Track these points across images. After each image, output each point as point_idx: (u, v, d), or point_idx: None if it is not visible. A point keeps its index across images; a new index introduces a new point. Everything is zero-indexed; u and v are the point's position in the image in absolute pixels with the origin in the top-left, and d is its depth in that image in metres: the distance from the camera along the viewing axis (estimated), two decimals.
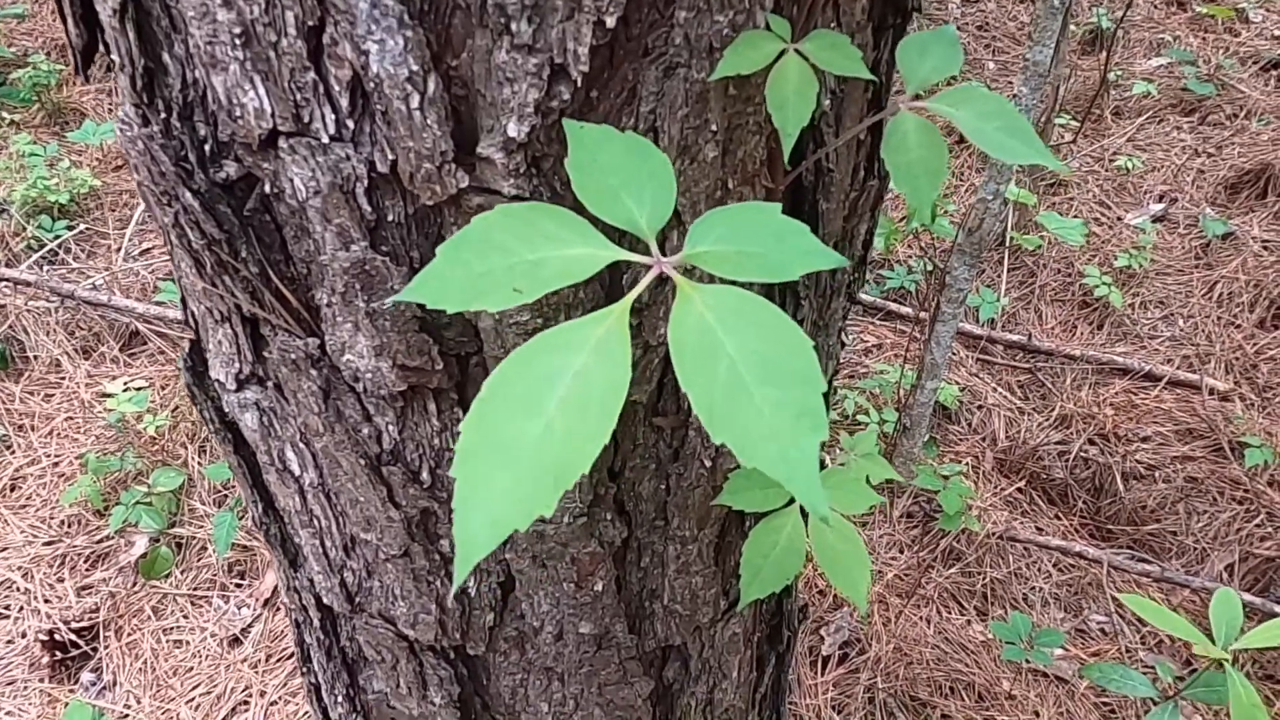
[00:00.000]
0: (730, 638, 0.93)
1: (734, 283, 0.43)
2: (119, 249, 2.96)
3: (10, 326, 2.64)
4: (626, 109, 0.52)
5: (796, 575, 1.01)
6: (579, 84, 0.49)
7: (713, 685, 0.97)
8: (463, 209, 0.54)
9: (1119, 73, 3.90)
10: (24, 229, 2.92)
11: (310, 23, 0.48)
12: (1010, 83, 3.85)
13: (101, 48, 0.63)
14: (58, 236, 2.93)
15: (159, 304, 2.72)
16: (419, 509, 0.71)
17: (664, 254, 0.45)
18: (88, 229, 3.03)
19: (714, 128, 0.53)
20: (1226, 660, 1.19)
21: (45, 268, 2.86)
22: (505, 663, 0.84)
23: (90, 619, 2.06)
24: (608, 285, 0.60)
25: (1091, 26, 4.06)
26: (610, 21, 0.47)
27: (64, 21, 0.63)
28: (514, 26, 0.47)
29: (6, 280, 2.71)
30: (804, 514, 0.69)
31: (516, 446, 0.39)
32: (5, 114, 3.35)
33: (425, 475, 0.69)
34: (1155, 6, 4.43)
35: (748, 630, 0.96)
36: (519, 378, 0.40)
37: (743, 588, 0.68)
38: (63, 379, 2.59)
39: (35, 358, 2.63)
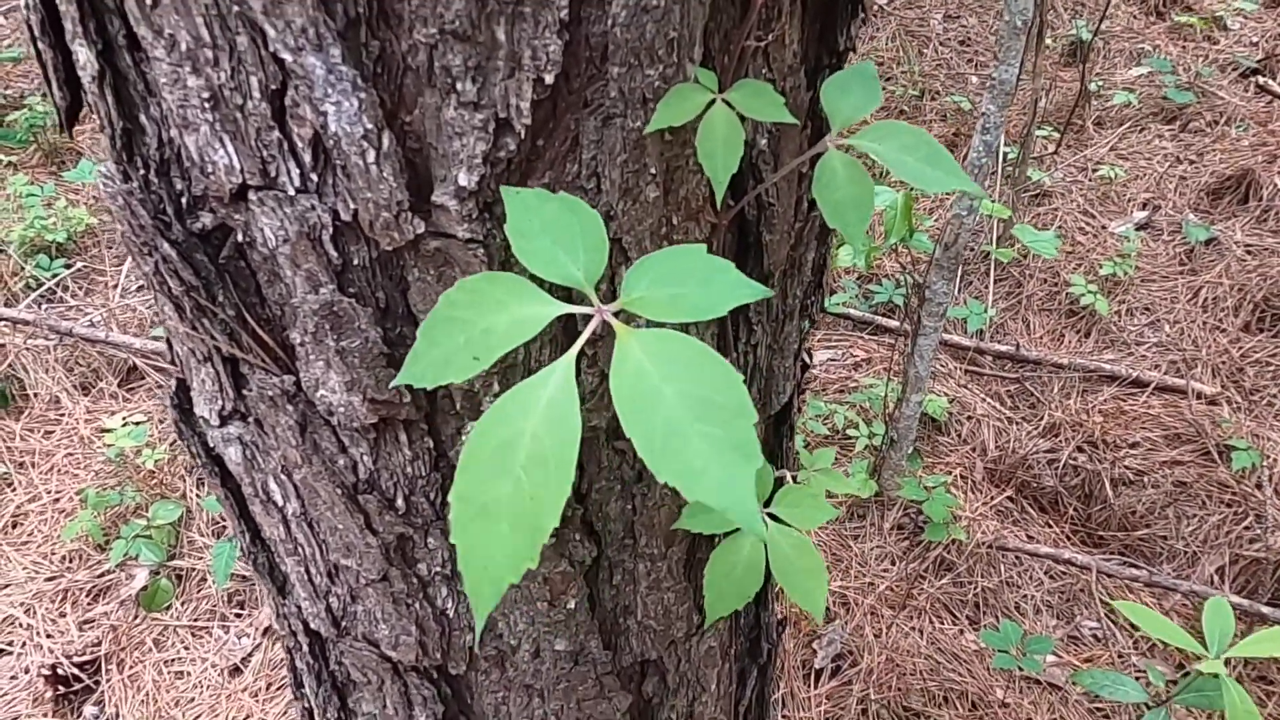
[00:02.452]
0: (707, 651, 0.96)
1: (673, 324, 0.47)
2: (116, 285, 3.00)
3: (10, 365, 2.67)
4: (570, 156, 0.56)
5: (769, 588, 1.04)
6: (523, 135, 0.53)
7: (692, 699, 0.99)
8: (421, 252, 0.58)
9: (1100, 83, 3.95)
10: (22, 268, 2.97)
11: (273, 86, 0.52)
12: None
13: (85, 107, 0.67)
14: (56, 275, 2.97)
15: (156, 339, 2.76)
16: (395, 535, 0.74)
17: (611, 296, 0.49)
18: (85, 266, 3.07)
19: (653, 170, 0.57)
20: (1222, 671, 1.20)
21: (43, 306, 2.91)
22: (486, 681, 0.87)
23: (92, 653, 2.09)
24: (566, 323, 0.63)
25: (1071, 38, 4.12)
26: (549, 78, 0.51)
27: (48, 85, 0.67)
28: (459, 86, 0.51)
29: (5, 319, 2.75)
30: None
31: (495, 509, 0.44)
32: (2, 155, 3.40)
33: (400, 502, 0.73)
34: (1135, 17, 4.49)
35: (724, 644, 0.99)
36: (487, 444, 0.45)
37: (706, 607, 0.72)
38: (62, 415, 2.62)
39: (35, 395, 2.66)
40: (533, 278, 0.50)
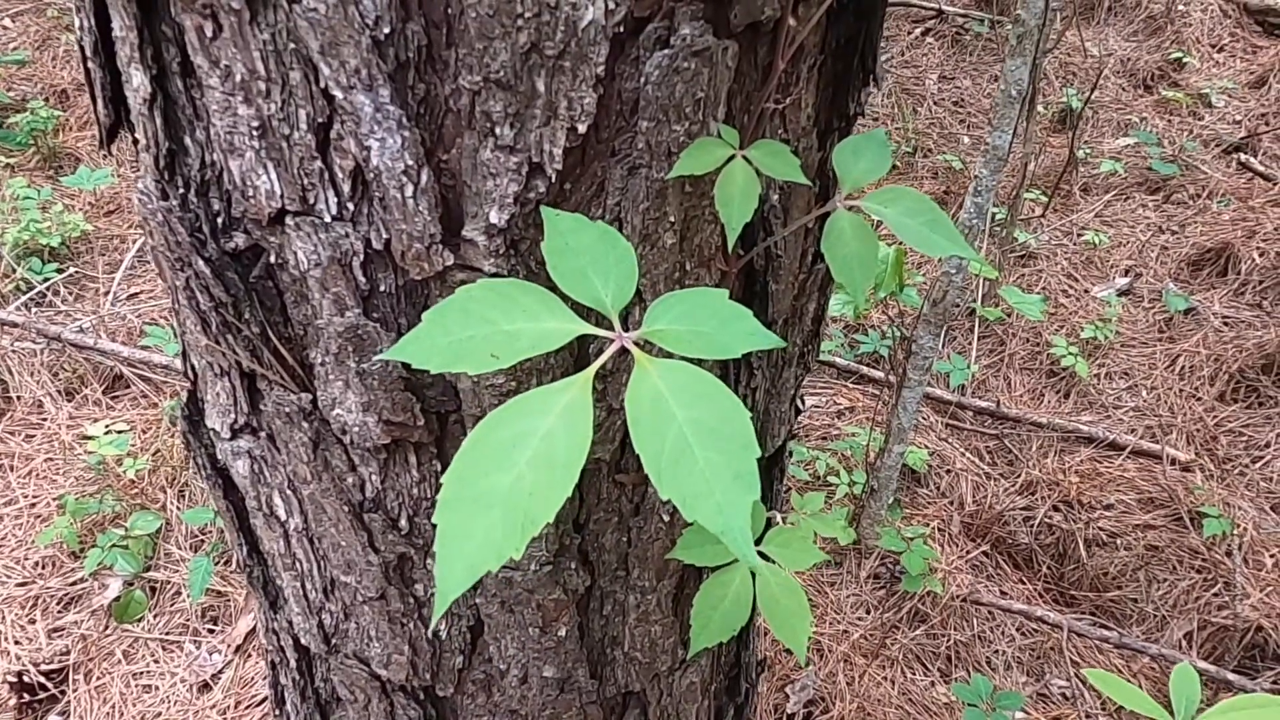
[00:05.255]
0: (688, 686, 0.98)
1: (685, 358, 0.50)
2: (107, 292, 3.00)
3: None
4: (595, 201, 0.59)
5: (750, 627, 1.06)
6: (553, 179, 0.56)
7: None
8: (447, 283, 0.61)
9: (1087, 151, 4.06)
10: (14, 270, 2.97)
11: (320, 120, 0.55)
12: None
13: (125, 127, 0.69)
14: (47, 279, 2.98)
15: (144, 348, 2.76)
16: (396, 554, 0.76)
17: (626, 329, 0.51)
18: (77, 272, 3.08)
19: (672, 219, 0.60)
20: None
21: (33, 309, 2.90)
22: (472, 704, 0.88)
23: (60, 661, 2.07)
24: (576, 353, 0.66)
25: (1062, 106, 4.23)
26: (582, 128, 0.54)
27: (94, 102, 0.70)
28: (498, 130, 0.54)
29: None
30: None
31: (490, 497, 0.45)
32: (1, 157, 3.41)
33: (404, 522, 0.75)
34: (1123, 89, 4.62)
35: (705, 680, 1.00)
36: (494, 437, 0.46)
37: (692, 637, 0.74)
38: (44, 420, 2.61)
39: (18, 398, 2.65)
40: (560, 296, 0.52)
